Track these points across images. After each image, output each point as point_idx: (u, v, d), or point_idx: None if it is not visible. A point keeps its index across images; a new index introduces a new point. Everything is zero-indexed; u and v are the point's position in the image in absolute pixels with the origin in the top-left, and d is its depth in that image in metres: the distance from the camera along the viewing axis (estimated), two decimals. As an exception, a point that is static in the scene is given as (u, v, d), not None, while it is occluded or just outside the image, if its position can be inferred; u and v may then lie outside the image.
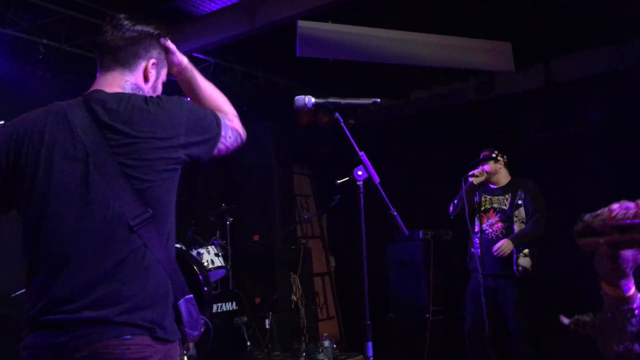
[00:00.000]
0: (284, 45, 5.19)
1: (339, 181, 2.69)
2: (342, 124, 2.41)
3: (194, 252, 5.05)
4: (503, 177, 4.87)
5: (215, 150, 1.82)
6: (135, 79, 1.83)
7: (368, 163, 2.39)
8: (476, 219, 4.85)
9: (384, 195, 2.40)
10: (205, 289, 3.64)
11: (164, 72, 1.94)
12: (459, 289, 5.87)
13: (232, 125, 1.90)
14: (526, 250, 4.55)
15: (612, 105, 5.69)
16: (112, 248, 1.60)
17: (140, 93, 1.82)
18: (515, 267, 4.53)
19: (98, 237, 1.60)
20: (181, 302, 1.69)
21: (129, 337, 1.55)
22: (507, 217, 4.71)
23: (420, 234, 5.82)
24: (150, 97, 1.78)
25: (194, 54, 5.79)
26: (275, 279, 6.42)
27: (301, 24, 4.89)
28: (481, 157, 4.88)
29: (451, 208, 4.92)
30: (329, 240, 7.80)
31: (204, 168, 7.09)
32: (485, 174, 4.77)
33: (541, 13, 5.22)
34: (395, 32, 5.32)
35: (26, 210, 1.68)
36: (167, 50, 1.93)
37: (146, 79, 1.86)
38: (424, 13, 5.28)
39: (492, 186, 4.89)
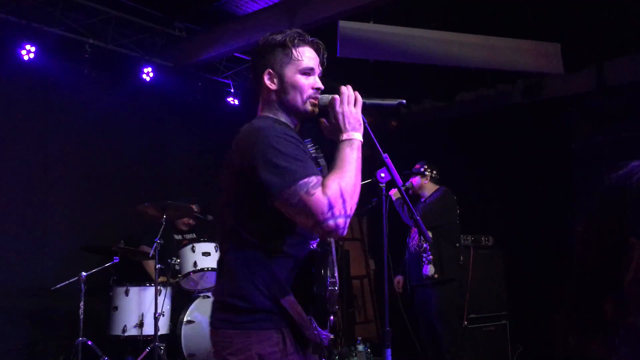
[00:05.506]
0: (325, 45, 5.14)
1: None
2: (366, 124, 2.34)
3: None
4: (429, 190, 4.85)
5: None
6: None
7: (391, 165, 2.31)
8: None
9: (407, 199, 2.32)
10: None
11: None
12: (500, 296, 5.70)
13: None
14: (430, 258, 4.53)
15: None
16: None
17: None
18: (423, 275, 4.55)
19: None
20: None
21: None
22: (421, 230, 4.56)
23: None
24: None
25: (236, 54, 5.83)
26: (311, 281, 6.35)
27: (342, 24, 4.83)
28: (413, 169, 4.87)
29: None
30: (368, 242, 7.71)
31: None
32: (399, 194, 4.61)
33: (592, 13, 5.00)
34: (439, 32, 5.20)
35: None
36: None
37: None
38: (469, 13, 5.14)
39: (422, 199, 4.87)
